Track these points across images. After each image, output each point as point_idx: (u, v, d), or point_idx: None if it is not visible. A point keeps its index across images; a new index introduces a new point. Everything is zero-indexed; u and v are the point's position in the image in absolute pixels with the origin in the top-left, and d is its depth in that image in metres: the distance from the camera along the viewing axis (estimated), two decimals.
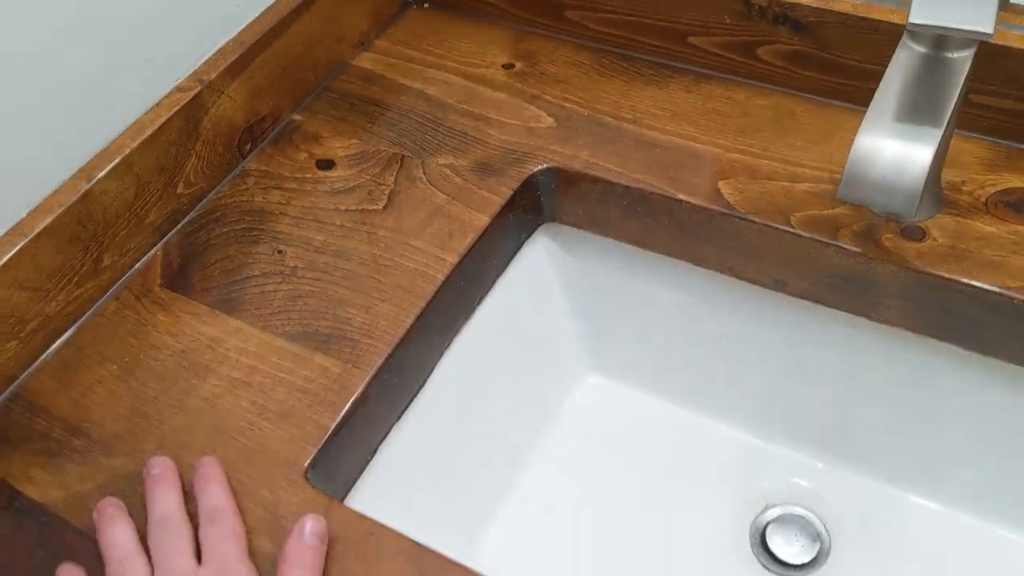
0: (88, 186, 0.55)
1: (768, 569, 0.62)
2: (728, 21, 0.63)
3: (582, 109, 0.66)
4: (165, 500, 0.48)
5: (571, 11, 0.69)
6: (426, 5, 0.75)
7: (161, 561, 0.45)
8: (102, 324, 0.58)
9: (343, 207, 0.62)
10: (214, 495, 0.48)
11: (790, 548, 0.63)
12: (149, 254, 0.61)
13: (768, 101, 0.64)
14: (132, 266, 0.60)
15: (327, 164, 0.65)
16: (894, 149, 0.46)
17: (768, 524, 0.64)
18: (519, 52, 0.71)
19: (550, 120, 0.65)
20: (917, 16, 0.44)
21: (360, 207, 0.62)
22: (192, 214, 0.63)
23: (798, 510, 0.64)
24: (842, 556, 0.62)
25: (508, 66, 0.70)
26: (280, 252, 0.60)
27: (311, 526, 0.46)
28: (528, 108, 0.67)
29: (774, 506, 0.64)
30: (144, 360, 0.55)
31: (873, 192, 0.46)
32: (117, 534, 0.47)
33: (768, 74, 0.65)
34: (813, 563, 0.62)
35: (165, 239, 0.61)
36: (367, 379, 0.53)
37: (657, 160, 0.62)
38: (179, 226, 0.62)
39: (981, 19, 0.44)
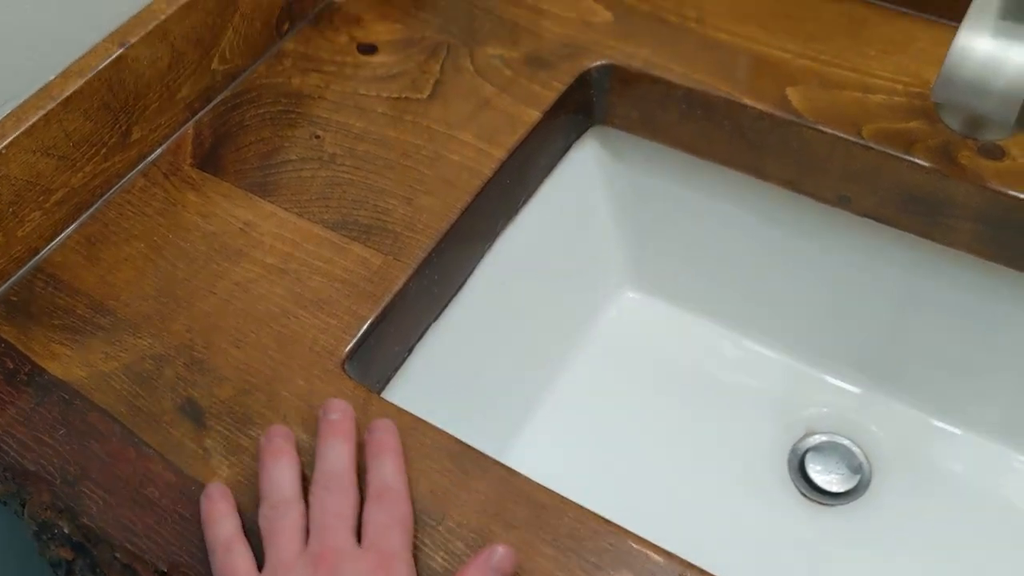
0: (121, 51, 0.52)
1: (807, 496, 0.60)
2: None
3: (643, 4, 0.62)
4: (337, 454, 0.41)
5: None
6: None
7: (320, 525, 0.39)
8: (129, 201, 0.55)
9: (385, 94, 0.59)
10: (389, 470, 0.41)
11: (830, 476, 0.61)
12: (180, 131, 0.57)
13: (841, 7, 0.60)
14: (163, 143, 0.57)
15: (369, 49, 0.61)
16: (996, 48, 0.42)
17: (808, 451, 0.62)
18: None
19: (608, 14, 0.62)
20: None
21: (403, 95, 0.58)
22: (226, 92, 0.59)
23: (840, 439, 0.62)
24: (882, 487, 0.60)
25: None
26: (318, 137, 0.57)
27: (501, 555, 0.39)
28: (584, 0, 0.63)
29: (815, 433, 0.62)
30: (173, 240, 0.53)
31: (970, 93, 0.43)
32: (281, 474, 0.41)
33: None
34: (852, 493, 0.60)
35: (197, 116, 0.58)
36: (409, 273, 0.50)
37: (721, 62, 0.58)
38: (212, 104, 0.59)
39: None
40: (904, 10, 0.60)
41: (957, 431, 0.61)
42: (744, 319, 0.65)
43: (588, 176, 0.64)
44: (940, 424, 0.62)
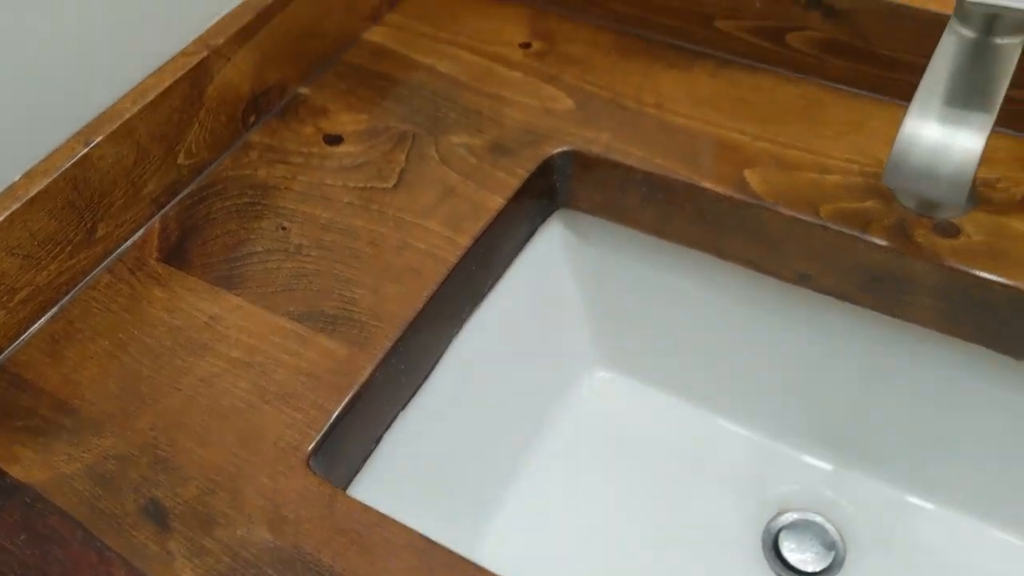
0: (86, 150, 0.52)
1: None
2: (758, 5, 0.61)
3: (602, 91, 0.63)
4: None
5: None
6: None
7: None
8: (95, 298, 0.55)
9: (351, 184, 0.59)
10: None
11: (804, 555, 0.60)
12: (146, 226, 0.58)
13: (797, 89, 0.62)
14: (128, 238, 0.57)
15: (335, 139, 0.62)
16: (943, 135, 0.43)
17: (781, 529, 0.61)
18: (537, 31, 0.68)
19: (569, 102, 0.63)
20: None
21: (369, 184, 0.59)
22: (192, 186, 0.60)
23: (813, 516, 0.62)
24: (857, 564, 0.60)
25: (525, 45, 0.67)
26: (284, 228, 0.57)
27: None
28: (546, 88, 0.64)
29: (788, 511, 0.62)
30: (138, 336, 0.52)
31: (920, 179, 0.44)
32: None
33: (798, 61, 0.62)
34: (827, 571, 0.60)
35: (163, 211, 0.58)
36: (374, 363, 0.50)
37: (680, 146, 0.59)
38: (178, 198, 0.59)
39: None
40: (858, 91, 0.61)
41: (930, 505, 0.61)
42: (714, 397, 0.66)
43: (554, 259, 0.65)
44: (913, 499, 0.62)
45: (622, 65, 0.65)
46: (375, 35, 0.69)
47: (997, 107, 0.44)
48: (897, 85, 0.60)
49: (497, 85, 0.64)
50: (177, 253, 0.57)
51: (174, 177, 0.58)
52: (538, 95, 0.64)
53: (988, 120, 0.44)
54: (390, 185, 0.59)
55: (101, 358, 0.52)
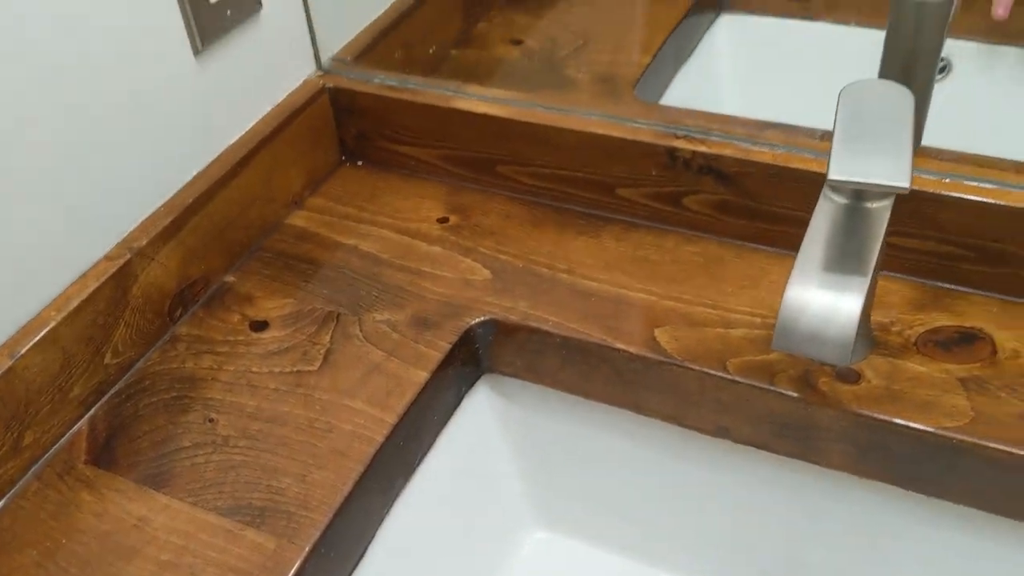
0: (11, 363, 0.53)
1: None
2: (654, 173, 0.65)
3: (517, 260, 0.66)
4: None
5: (502, 166, 0.71)
6: (360, 163, 0.76)
7: None
8: (22, 507, 0.55)
9: (277, 369, 0.61)
10: None
11: None
12: (74, 429, 0.58)
13: (697, 248, 0.66)
14: (55, 443, 0.57)
15: (261, 325, 0.64)
16: (824, 300, 0.46)
17: None
18: (453, 206, 0.71)
19: (486, 272, 0.66)
20: (836, 172, 0.46)
21: (295, 368, 0.61)
22: (120, 384, 0.61)
23: None
24: None
25: (443, 220, 0.70)
26: (211, 420, 0.58)
27: None
28: (464, 261, 0.67)
29: None
30: (67, 544, 0.52)
31: (807, 343, 0.46)
32: None
33: (696, 222, 0.66)
34: None
35: (91, 412, 0.59)
36: (303, 556, 0.50)
37: (593, 309, 0.62)
38: (106, 397, 0.60)
39: (897, 174, 0.45)
40: (755, 246, 0.65)
41: None
42: (649, 551, 0.67)
43: (483, 423, 0.66)
44: None
45: (535, 234, 0.68)
46: (298, 219, 0.72)
47: (871, 268, 0.47)
48: (789, 238, 0.63)
49: (417, 260, 0.67)
50: (106, 453, 0.57)
51: (101, 377, 0.59)
52: (457, 268, 0.66)
53: (864, 282, 0.47)
54: (315, 367, 0.61)
55: (29, 569, 0.51)
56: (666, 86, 0.83)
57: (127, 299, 0.60)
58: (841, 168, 0.45)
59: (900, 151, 0.46)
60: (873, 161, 0.46)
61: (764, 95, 0.87)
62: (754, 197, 0.63)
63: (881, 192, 0.49)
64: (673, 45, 0.84)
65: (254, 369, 0.61)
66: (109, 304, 0.59)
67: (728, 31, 0.90)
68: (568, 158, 0.68)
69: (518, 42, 0.85)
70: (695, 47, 0.87)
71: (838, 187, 0.50)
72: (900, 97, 0.48)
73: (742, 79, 0.90)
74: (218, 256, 0.66)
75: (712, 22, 0.90)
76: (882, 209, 0.50)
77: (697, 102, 0.81)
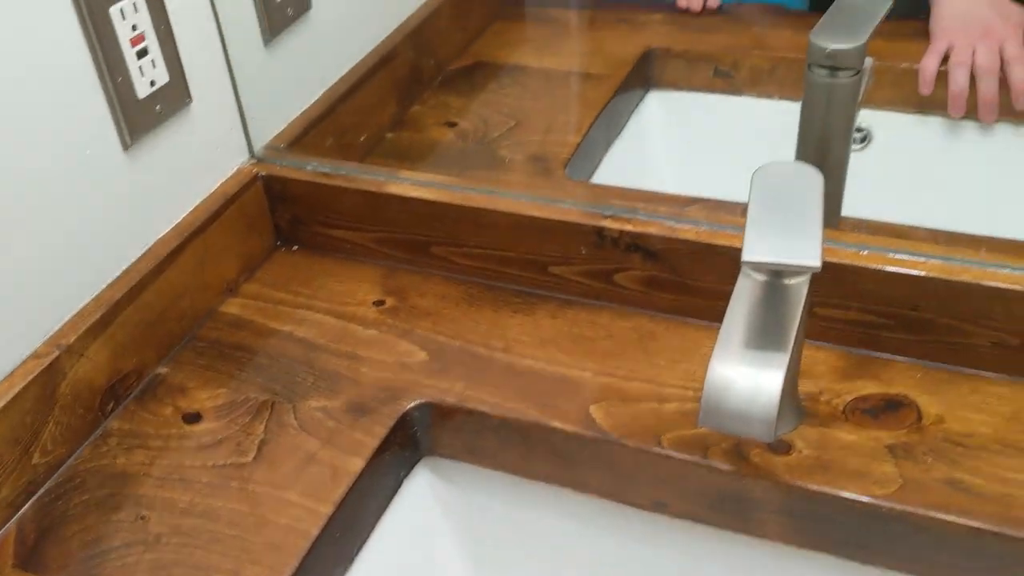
0: None
1: None
2: (585, 251, 0.66)
3: (453, 341, 0.67)
4: None
5: (437, 248, 0.71)
6: (295, 248, 0.77)
7: None
8: None
9: (210, 462, 0.60)
10: None
11: None
12: (1, 531, 0.57)
13: (630, 323, 0.67)
14: None
15: (194, 417, 0.63)
16: (746, 378, 0.47)
17: None
18: (389, 288, 0.72)
19: (422, 354, 0.66)
20: (749, 254, 0.47)
21: (228, 461, 0.60)
22: (49, 483, 0.59)
23: None
24: None
25: (379, 303, 0.71)
26: (143, 518, 0.57)
27: None
28: (400, 343, 0.67)
29: None
30: None
31: (731, 421, 0.47)
32: None
33: (628, 297, 0.67)
34: None
35: (20, 513, 0.58)
36: None
37: (529, 388, 0.62)
38: (35, 497, 0.59)
39: (808, 253, 0.47)
40: (685, 319, 0.66)
41: None
42: None
43: (424, 508, 0.66)
44: None
45: (471, 314, 0.69)
46: (232, 307, 0.71)
47: (791, 343, 0.48)
48: (719, 312, 0.63)
49: (353, 345, 0.67)
50: (34, 557, 0.56)
51: (29, 478, 0.58)
52: (393, 351, 0.66)
53: (784, 358, 0.48)
54: (249, 459, 0.60)
55: None
56: (597, 163, 0.85)
57: (55, 397, 0.59)
58: (754, 250, 0.47)
59: (810, 231, 0.47)
60: (785, 241, 0.47)
61: (693, 168, 0.89)
62: (682, 273, 0.64)
63: (796, 270, 0.51)
64: (603, 123, 0.86)
65: (187, 463, 0.60)
66: (37, 403, 0.58)
67: (656, 108, 0.92)
68: (501, 239, 0.69)
69: (452, 124, 0.86)
70: (625, 124, 0.90)
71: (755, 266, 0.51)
72: (810, 177, 0.50)
73: (672, 154, 0.93)
74: (150, 348, 0.66)
75: (641, 99, 0.92)
76: (800, 284, 0.51)
77: (629, 178, 0.83)
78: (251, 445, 0.61)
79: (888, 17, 0.63)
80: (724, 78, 0.90)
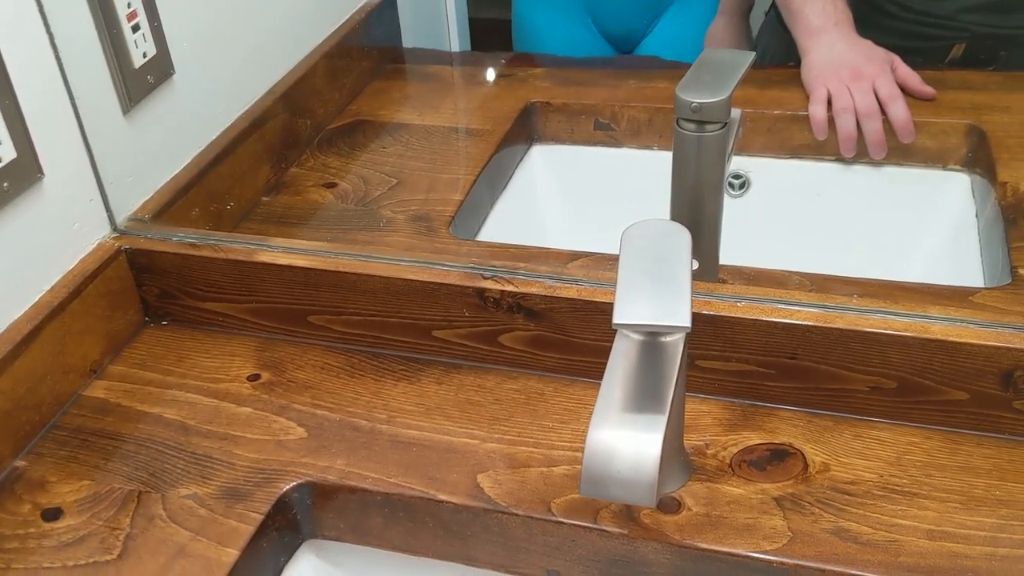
0: None
1: None
2: (467, 314, 0.65)
3: (334, 414, 0.64)
4: None
5: (314, 316, 0.69)
6: (164, 323, 0.73)
7: None
8: None
9: (71, 562, 0.56)
10: None
11: None
12: None
13: (517, 384, 0.65)
14: None
15: (54, 513, 0.59)
16: (624, 444, 0.46)
17: None
18: (264, 361, 0.69)
19: (300, 430, 0.63)
20: (619, 317, 0.46)
21: (91, 559, 0.56)
22: None
23: None
24: None
25: (254, 377, 0.67)
26: None
27: None
28: (277, 420, 0.64)
29: None
30: None
31: (613, 488, 0.46)
32: None
33: (513, 359, 0.66)
34: None
35: None
36: None
37: (414, 460, 0.60)
38: None
39: (678, 314, 0.46)
40: (572, 378, 0.65)
41: None
42: None
43: None
44: None
45: (352, 385, 0.66)
46: (97, 390, 0.67)
47: (669, 403, 0.47)
48: (603, 369, 0.64)
49: (226, 425, 0.64)
50: None
51: None
52: (269, 429, 0.63)
53: (662, 420, 0.46)
54: (114, 556, 0.56)
55: None
56: (483, 220, 0.84)
57: None
58: (624, 313, 0.46)
59: (680, 291, 0.46)
60: (655, 303, 0.46)
61: (578, 223, 0.89)
62: (565, 331, 0.63)
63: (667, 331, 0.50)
64: (487, 179, 0.85)
65: (45, 564, 0.56)
66: None
67: (540, 162, 0.92)
68: (380, 304, 0.67)
69: (331, 185, 0.84)
70: (510, 179, 0.89)
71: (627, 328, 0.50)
72: (677, 235, 0.49)
73: (557, 207, 0.92)
74: (5, 441, 0.61)
75: (525, 154, 0.92)
76: (676, 341, 0.50)
77: (516, 233, 0.82)
78: (116, 541, 0.57)
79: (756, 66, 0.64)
80: (605, 131, 0.90)
